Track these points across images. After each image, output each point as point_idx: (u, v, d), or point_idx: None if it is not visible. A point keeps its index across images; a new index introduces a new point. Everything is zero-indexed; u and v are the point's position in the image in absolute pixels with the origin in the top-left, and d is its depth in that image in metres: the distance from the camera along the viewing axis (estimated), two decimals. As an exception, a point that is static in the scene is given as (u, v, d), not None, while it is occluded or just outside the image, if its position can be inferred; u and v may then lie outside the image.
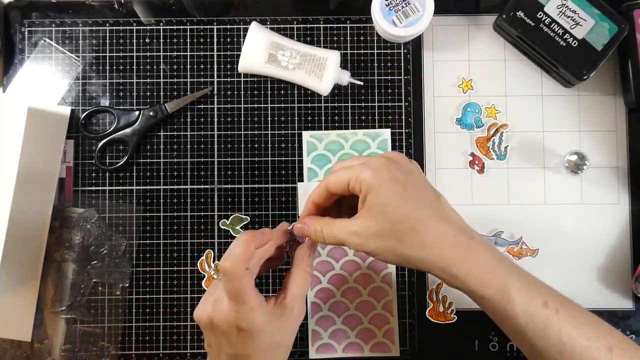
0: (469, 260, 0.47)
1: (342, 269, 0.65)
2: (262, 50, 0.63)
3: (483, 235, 0.65)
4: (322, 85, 0.63)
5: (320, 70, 0.63)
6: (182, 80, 0.67)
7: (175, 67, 0.67)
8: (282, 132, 0.66)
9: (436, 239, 0.46)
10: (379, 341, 0.64)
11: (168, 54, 0.67)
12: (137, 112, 0.65)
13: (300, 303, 0.50)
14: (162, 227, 0.66)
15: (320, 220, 0.49)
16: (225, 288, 0.47)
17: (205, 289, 0.65)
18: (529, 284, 0.48)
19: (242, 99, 0.67)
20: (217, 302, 0.48)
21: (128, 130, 0.65)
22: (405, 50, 0.67)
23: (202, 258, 0.65)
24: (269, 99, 0.67)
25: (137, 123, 0.65)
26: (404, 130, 0.66)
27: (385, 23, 0.62)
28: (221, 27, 0.67)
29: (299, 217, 0.54)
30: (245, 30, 0.66)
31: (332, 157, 0.66)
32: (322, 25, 0.67)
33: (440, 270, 0.47)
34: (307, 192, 0.65)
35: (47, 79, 0.67)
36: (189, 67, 0.67)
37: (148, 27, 0.67)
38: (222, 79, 0.67)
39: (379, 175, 0.46)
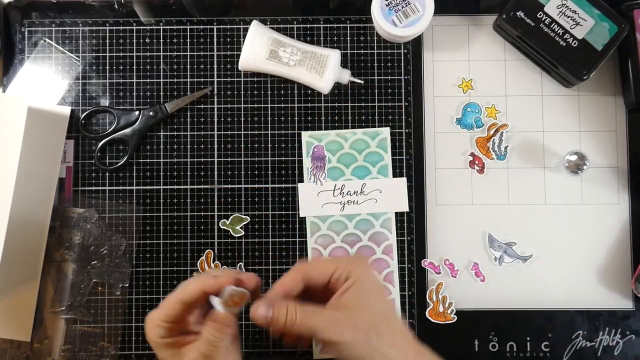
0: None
1: (342, 269, 0.65)
2: (263, 47, 0.63)
3: (499, 243, 0.65)
4: (323, 82, 0.63)
5: (321, 67, 0.63)
6: (182, 80, 0.67)
7: (175, 67, 0.67)
8: (282, 132, 0.66)
9: (406, 340, 0.50)
10: (379, 341, 0.64)
11: (168, 54, 0.67)
12: (137, 112, 0.65)
13: None
14: (162, 227, 0.66)
15: (292, 302, 0.47)
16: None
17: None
18: None
19: (242, 99, 0.67)
20: None
21: (128, 130, 0.65)
22: (405, 50, 0.67)
23: (202, 258, 0.65)
24: (269, 99, 0.67)
25: (137, 123, 0.65)
26: (404, 130, 0.66)
27: (385, 23, 0.62)
28: (221, 27, 0.67)
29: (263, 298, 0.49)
30: (245, 30, 0.66)
31: (332, 156, 0.66)
32: (322, 25, 0.67)
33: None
34: (307, 192, 0.65)
35: (47, 79, 0.67)
36: (189, 67, 0.67)
37: (148, 27, 0.67)
38: (222, 79, 0.67)
39: (369, 271, 0.50)
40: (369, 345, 0.46)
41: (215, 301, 0.47)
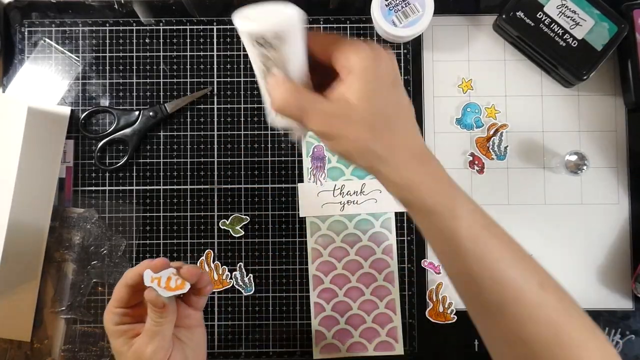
0: (425, 167, 0.44)
1: (344, 269, 0.65)
2: None
3: None
4: None
5: None
6: (182, 80, 0.67)
7: (175, 67, 0.67)
8: (282, 132, 0.66)
9: (407, 144, 0.43)
10: (382, 340, 0.65)
11: (168, 54, 0.67)
12: (137, 112, 0.65)
13: None
14: (162, 227, 0.66)
15: (287, 84, 0.40)
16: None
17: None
18: (474, 205, 0.46)
19: (242, 99, 0.67)
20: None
21: (128, 130, 0.65)
22: (405, 50, 0.67)
23: (202, 258, 0.65)
24: (269, 99, 0.67)
25: (137, 123, 0.65)
26: (404, 130, 0.66)
27: (385, 23, 0.62)
28: (221, 27, 0.67)
29: None
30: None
31: (332, 156, 0.66)
32: (322, 26, 0.67)
33: (399, 177, 0.43)
34: (307, 192, 0.65)
35: (47, 79, 0.67)
36: (189, 67, 0.67)
37: (148, 27, 0.67)
38: (222, 79, 0.67)
39: (380, 61, 0.40)
40: (361, 145, 0.41)
41: (147, 276, 0.47)
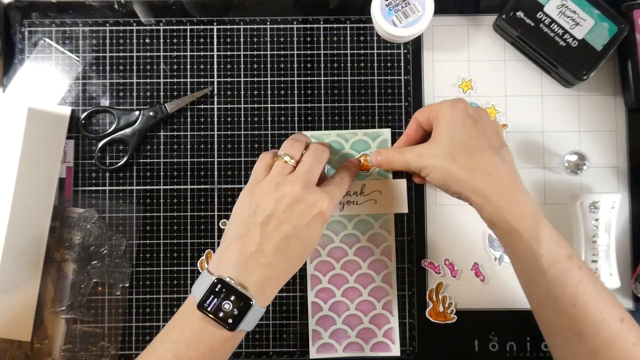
0: (510, 193, 0.51)
1: (342, 269, 0.65)
2: None
3: (499, 243, 0.65)
4: None
5: None
6: (182, 80, 0.67)
7: (175, 67, 0.67)
8: (282, 131, 0.66)
9: (486, 165, 0.52)
10: (379, 341, 0.65)
11: (168, 54, 0.67)
12: (137, 112, 0.65)
13: None
14: (162, 227, 0.66)
15: (392, 149, 0.60)
16: (340, 173, 0.59)
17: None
18: (558, 235, 0.51)
19: (242, 99, 0.67)
20: (308, 183, 0.52)
21: (128, 130, 0.65)
22: (405, 50, 0.67)
23: (202, 258, 0.66)
24: (269, 99, 0.67)
25: (137, 123, 0.65)
26: (404, 131, 0.66)
27: (385, 23, 0.62)
28: (221, 27, 0.67)
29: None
30: (245, 30, 0.66)
31: (332, 157, 0.66)
32: (322, 25, 0.67)
33: (481, 196, 0.52)
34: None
35: (47, 79, 0.67)
36: (189, 67, 0.67)
37: (148, 27, 0.67)
38: (222, 79, 0.67)
39: (455, 105, 0.54)
40: (445, 169, 0.53)
41: None
